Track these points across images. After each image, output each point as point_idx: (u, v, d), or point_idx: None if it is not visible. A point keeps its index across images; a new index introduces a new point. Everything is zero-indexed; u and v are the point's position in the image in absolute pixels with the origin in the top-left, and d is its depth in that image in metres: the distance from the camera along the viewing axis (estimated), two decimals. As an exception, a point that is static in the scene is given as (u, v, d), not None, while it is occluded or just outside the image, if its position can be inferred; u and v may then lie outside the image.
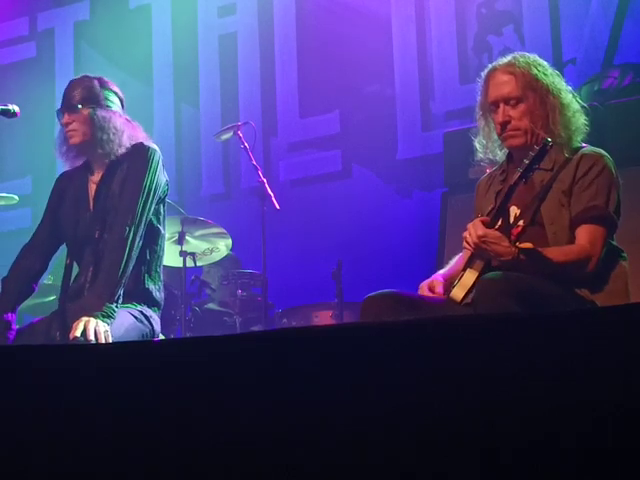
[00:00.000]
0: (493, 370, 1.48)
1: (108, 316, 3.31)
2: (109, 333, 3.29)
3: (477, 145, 3.28)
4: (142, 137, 3.64)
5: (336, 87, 6.70)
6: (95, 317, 3.28)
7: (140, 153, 3.54)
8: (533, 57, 3.19)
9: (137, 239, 3.44)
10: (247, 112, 6.86)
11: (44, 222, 3.72)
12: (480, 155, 3.27)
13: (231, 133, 5.34)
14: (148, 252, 3.56)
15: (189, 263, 5.30)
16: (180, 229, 5.24)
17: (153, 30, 7.41)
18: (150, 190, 3.50)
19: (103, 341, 3.24)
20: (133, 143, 3.57)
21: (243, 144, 5.25)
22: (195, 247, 5.35)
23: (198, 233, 5.31)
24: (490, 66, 3.22)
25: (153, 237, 3.58)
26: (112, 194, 3.55)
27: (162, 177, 3.58)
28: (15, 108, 3.67)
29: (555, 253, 2.97)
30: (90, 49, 7.64)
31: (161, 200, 3.61)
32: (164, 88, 7.34)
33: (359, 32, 6.61)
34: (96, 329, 3.25)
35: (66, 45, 7.69)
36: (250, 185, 6.49)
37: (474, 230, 2.96)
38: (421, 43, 6.43)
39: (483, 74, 3.23)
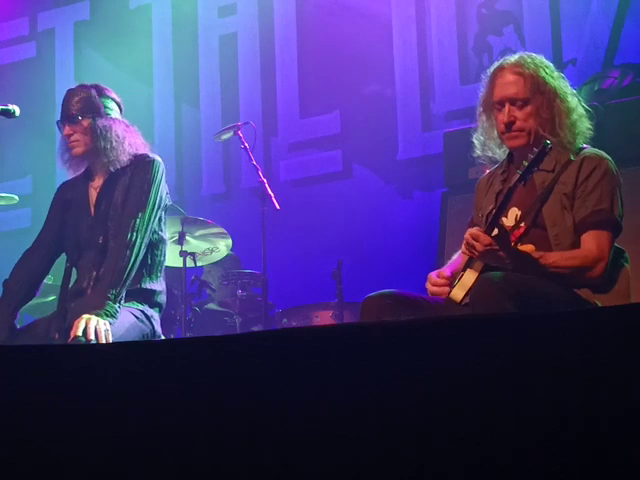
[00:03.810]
0: (493, 370, 1.48)
1: (111, 315, 3.33)
2: (110, 332, 3.30)
3: (475, 142, 3.26)
4: (142, 144, 3.72)
5: (336, 87, 6.69)
6: (97, 315, 3.29)
7: (145, 165, 3.63)
8: (540, 58, 3.16)
9: (142, 246, 3.52)
10: (247, 112, 6.86)
11: (45, 229, 3.77)
12: (478, 152, 3.25)
13: (231, 133, 5.34)
14: (150, 257, 3.63)
15: (189, 263, 5.30)
16: (180, 229, 5.24)
17: (153, 30, 7.40)
18: (155, 202, 3.60)
19: (103, 340, 3.25)
20: (135, 151, 3.66)
21: (243, 144, 5.25)
22: (195, 247, 5.35)
23: (198, 233, 5.31)
24: (497, 64, 3.17)
25: (155, 244, 3.65)
26: (115, 202, 3.62)
27: (164, 188, 3.67)
28: (15, 108, 3.68)
29: (560, 257, 2.96)
30: (90, 49, 7.64)
31: (162, 209, 3.68)
32: (164, 88, 7.34)
33: (359, 32, 6.60)
34: (97, 328, 3.26)
35: (66, 45, 7.69)
36: (250, 185, 6.49)
37: (480, 240, 2.92)
38: (421, 43, 6.43)
39: (489, 71, 3.19)
